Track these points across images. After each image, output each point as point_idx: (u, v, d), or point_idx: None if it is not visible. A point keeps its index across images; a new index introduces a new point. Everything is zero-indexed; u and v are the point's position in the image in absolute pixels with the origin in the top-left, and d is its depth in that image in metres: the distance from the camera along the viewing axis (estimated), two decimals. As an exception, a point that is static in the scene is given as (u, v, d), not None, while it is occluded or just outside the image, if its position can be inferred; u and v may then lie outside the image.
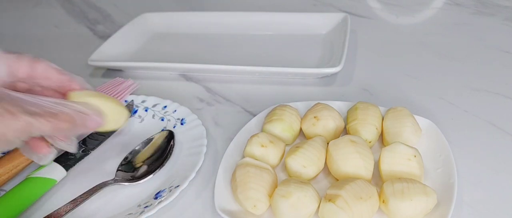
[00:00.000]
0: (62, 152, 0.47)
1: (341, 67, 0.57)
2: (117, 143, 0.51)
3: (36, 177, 0.44)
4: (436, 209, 0.38)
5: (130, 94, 0.58)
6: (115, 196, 0.44)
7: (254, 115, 0.52)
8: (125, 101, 0.56)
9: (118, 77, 0.61)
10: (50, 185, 0.44)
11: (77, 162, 0.47)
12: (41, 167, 0.45)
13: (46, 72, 0.39)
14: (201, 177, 0.46)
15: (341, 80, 0.61)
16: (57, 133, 0.37)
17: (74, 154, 0.47)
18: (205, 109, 0.57)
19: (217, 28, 0.76)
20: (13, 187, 0.43)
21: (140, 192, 0.44)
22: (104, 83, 0.58)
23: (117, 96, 0.56)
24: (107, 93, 0.56)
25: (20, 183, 0.44)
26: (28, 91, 0.40)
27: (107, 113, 0.39)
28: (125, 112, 0.41)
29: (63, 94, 0.40)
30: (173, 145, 0.48)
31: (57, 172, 0.45)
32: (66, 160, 0.47)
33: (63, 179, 0.46)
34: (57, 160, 0.46)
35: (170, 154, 0.47)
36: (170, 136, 0.49)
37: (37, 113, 0.34)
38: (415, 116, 0.47)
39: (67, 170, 0.46)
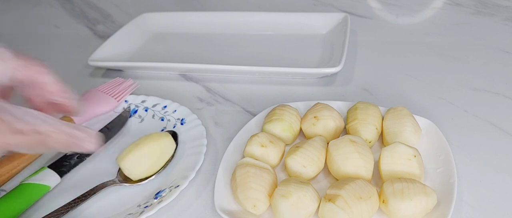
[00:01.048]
0: (58, 158, 0.47)
1: (341, 67, 0.57)
2: (118, 143, 0.51)
3: (30, 183, 0.43)
4: (436, 209, 0.38)
5: (130, 94, 0.57)
6: (115, 196, 0.44)
7: (254, 115, 0.52)
8: (126, 101, 0.56)
9: (118, 77, 0.61)
10: (44, 191, 0.44)
11: (72, 168, 0.46)
12: (35, 172, 0.44)
13: (49, 86, 0.38)
14: (201, 177, 0.46)
15: (341, 80, 0.61)
16: (46, 151, 0.36)
17: (69, 160, 0.47)
18: (205, 108, 0.57)
19: (217, 28, 0.76)
20: (6, 193, 0.42)
21: (140, 192, 0.44)
22: (104, 83, 0.58)
23: (117, 96, 0.56)
24: (107, 94, 0.56)
25: (14, 189, 0.43)
26: (28, 99, 0.40)
27: None
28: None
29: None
30: (177, 145, 0.48)
31: (51, 178, 0.44)
32: (60, 166, 0.46)
33: (59, 183, 0.45)
34: (51, 166, 0.45)
35: (173, 156, 0.47)
36: (174, 136, 0.48)
37: (22, 131, 0.32)
38: (415, 116, 0.47)
39: (61, 176, 0.45)
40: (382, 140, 0.48)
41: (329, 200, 0.37)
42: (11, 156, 0.46)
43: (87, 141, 0.36)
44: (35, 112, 0.35)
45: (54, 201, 0.44)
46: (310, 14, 0.75)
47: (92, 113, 0.54)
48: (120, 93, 0.57)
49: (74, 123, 0.51)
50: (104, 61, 0.65)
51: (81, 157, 0.48)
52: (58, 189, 0.45)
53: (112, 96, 0.56)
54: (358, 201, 0.36)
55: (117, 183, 0.44)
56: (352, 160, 0.41)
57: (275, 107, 0.49)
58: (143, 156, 0.44)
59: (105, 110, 0.55)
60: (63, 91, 0.39)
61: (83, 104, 0.41)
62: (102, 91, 0.56)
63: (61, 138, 0.35)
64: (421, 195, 0.37)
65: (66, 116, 0.51)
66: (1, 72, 0.35)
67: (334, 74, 0.61)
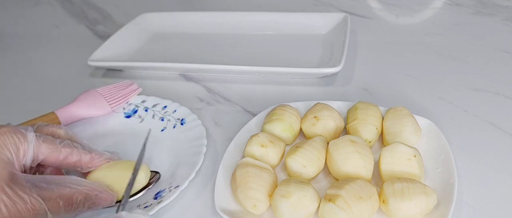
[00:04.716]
0: None
1: (341, 67, 0.57)
2: (118, 143, 0.51)
3: None
4: (436, 209, 0.38)
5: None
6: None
7: (254, 115, 0.52)
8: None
9: (127, 80, 0.58)
10: None
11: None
12: None
13: (83, 159, 0.41)
14: (201, 177, 0.46)
15: (341, 80, 0.61)
16: (71, 211, 0.38)
17: None
18: (205, 108, 0.57)
19: (217, 28, 0.76)
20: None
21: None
22: (109, 84, 0.56)
23: (118, 100, 0.55)
24: (108, 96, 0.55)
25: None
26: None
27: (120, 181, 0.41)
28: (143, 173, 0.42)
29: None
30: (154, 183, 0.44)
31: None
32: None
33: None
34: None
35: (141, 191, 0.43)
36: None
37: (48, 197, 0.36)
38: (415, 116, 0.47)
39: None
40: (382, 140, 0.48)
41: (329, 200, 0.37)
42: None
43: (103, 194, 0.40)
44: (59, 176, 0.38)
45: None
46: (310, 14, 0.75)
47: (82, 113, 0.53)
48: (120, 99, 0.55)
49: (59, 121, 0.51)
50: (104, 61, 0.65)
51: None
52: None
53: (110, 102, 0.54)
54: (358, 201, 0.36)
55: None
56: (352, 160, 0.41)
57: (275, 107, 0.49)
58: (104, 180, 0.41)
59: (97, 113, 0.53)
60: (93, 158, 0.42)
61: (106, 155, 0.43)
62: (101, 93, 0.55)
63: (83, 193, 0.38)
64: (421, 195, 0.37)
65: (51, 112, 0.51)
66: (29, 157, 0.38)
67: (334, 74, 0.61)
